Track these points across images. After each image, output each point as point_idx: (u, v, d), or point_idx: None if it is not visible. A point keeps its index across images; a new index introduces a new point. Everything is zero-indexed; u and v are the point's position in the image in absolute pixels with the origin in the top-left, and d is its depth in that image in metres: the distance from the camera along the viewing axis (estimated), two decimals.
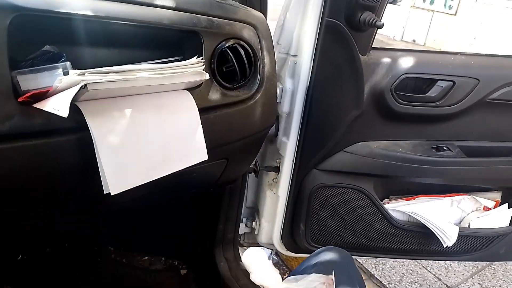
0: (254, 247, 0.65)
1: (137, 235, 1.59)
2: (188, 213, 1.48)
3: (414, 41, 5.63)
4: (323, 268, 0.76)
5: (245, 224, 1.49)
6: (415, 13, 5.73)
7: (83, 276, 1.45)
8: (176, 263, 1.55)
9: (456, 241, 1.25)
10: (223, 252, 1.39)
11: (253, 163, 1.32)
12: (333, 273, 0.64)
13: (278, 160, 1.32)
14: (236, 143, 0.91)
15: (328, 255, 0.83)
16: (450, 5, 5.36)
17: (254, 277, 0.64)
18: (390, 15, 5.36)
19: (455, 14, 5.30)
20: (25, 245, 1.44)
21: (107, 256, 1.55)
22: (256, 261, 0.64)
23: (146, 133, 0.69)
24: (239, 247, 1.48)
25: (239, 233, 1.47)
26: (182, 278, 1.51)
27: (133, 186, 0.66)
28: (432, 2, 5.55)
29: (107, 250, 1.57)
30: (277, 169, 1.32)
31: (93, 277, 1.47)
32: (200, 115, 0.76)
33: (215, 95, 0.80)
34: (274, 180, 1.37)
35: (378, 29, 0.99)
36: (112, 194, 0.63)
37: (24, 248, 1.43)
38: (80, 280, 1.43)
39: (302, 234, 1.33)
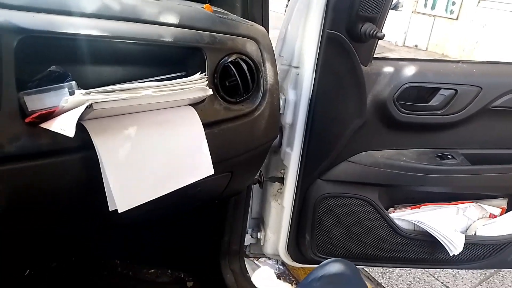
0: (262, 268, 0.65)
1: (143, 248, 1.59)
2: (193, 226, 1.48)
3: (416, 46, 5.65)
4: (329, 281, 0.76)
5: (251, 235, 1.49)
6: (416, 18, 5.75)
7: None
8: (182, 275, 1.55)
9: (463, 249, 1.24)
10: (229, 264, 1.39)
11: (258, 174, 1.33)
12: None
13: (282, 171, 1.33)
14: (240, 156, 0.92)
15: (334, 268, 0.82)
16: (452, 10, 5.37)
17: None
18: (391, 21, 5.38)
19: (457, 19, 5.31)
20: (32, 260, 1.44)
21: (113, 270, 1.55)
22: (266, 282, 0.63)
23: (152, 149, 0.70)
24: (245, 258, 1.48)
25: (245, 244, 1.47)
26: None
27: (140, 203, 0.67)
28: (433, 7, 5.57)
29: (113, 263, 1.57)
30: (281, 180, 1.33)
31: None
32: (204, 130, 0.77)
33: (218, 110, 0.81)
34: (279, 190, 1.37)
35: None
36: (119, 211, 0.64)
37: (31, 263, 1.44)
38: None
39: (307, 244, 1.32)
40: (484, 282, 1.91)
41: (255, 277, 0.62)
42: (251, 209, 1.48)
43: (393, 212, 1.30)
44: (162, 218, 1.48)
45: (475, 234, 1.31)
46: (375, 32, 0.95)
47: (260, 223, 1.51)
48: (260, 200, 1.50)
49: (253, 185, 1.36)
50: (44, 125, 0.60)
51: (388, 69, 1.10)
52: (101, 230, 0.86)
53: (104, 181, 0.63)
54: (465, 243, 1.24)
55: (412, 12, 5.83)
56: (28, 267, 1.42)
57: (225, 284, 1.36)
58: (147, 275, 1.55)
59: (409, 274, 1.91)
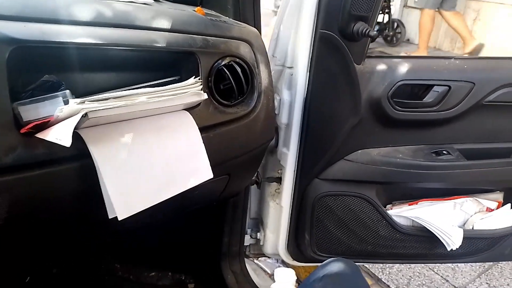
0: (285, 269, 0.65)
1: (143, 251, 1.59)
2: (193, 228, 1.48)
3: (408, 40, 5.66)
4: (331, 281, 0.77)
5: (250, 236, 1.50)
6: (408, 12, 5.77)
7: None
8: (183, 278, 1.55)
9: (462, 243, 1.25)
10: (229, 265, 1.40)
11: (255, 175, 1.33)
12: None
13: (279, 171, 1.33)
14: (237, 158, 0.92)
15: (335, 267, 0.83)
16: None
17: None
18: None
19: None
20: (33, 266, 1.44)
21: (114, 273, 1.55)
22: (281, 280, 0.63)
23: (149, 155, 0.70)
24: (245, 259, 1.48)
25: (245, 244, 1.48)
26: None
27: (140, 210, 0.67)
28: None
29: (113, 267, 1.57)
30: (279, 180, 1.33)
31: None
32: (200, 134, 0.77)
33: (213, 114, 0.81)
34: (277, 190, 1.38)
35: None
36: (119, 219, 0.63)
37: (31, 269, 1.43)
38: None
39: (307, 243, 1.33)
40: (483, 275, 1.92)
41: (277, 273, 0.62)
42: (250, 210, 1.48)
43: (391, 209, 1.31)
44: (161, 222, 1.48)
45: (472, 228, 1.32)
46: (367, 31, 0.95)
47: (259, 224, 1.51)
48: (258, 201, 1.50)
49: (250, 186, 1.36)
50: (40, 135, 0.60)
51: (382, 67, 1.10)
52: (100, 237, 0.86)
53: (102, 189, 0.63)
54: (463, 237, 1.25)
55: (404, 6, 5.84)
56: (29, 274, 1.41)
57: (226, 285, 1.36)
58: (147, 278, 1.55)
59: (409, 269, 1.92)
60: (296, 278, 0.64)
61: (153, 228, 1.48)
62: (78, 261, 1.54)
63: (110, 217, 0.64)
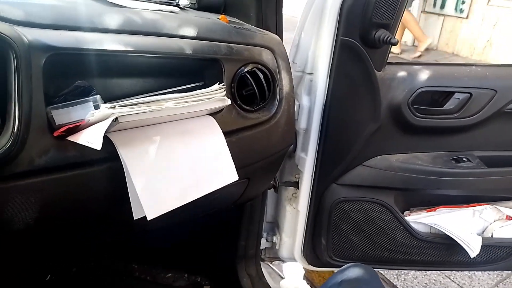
0: (293, 263, 0.65)
1: (160, 253, 1.61)
2: (210, 231, 1.50)
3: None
4: (349, 286, 0.77)
5: (266, 239, 1.50)
6: (425, 18, 5.72)
7: None
8: (199, 279, 1.57)
9: (480, 251, 1.24)
10: (245, 268, 1.41)
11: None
12: None
13: (297, 175, 1.34)
14: (257, 163, 0.94)
15: (353, 272, 0.83)
16: (461, 9, 5.32)
17: None
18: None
19: (467, 17, 5.27)
20: (53, 265, 1.47)
21: (131, 274, 1.58)
22: (291, 278, 0.63)
23: (176, 158, 0.72)
24: (260, 262, 1.49)
25: (260, 248, 1.48)
26: None
27: (168, 211, 0.68)
28: (442, 6, 5.53)
29: (131, 267, 1.60)
30: (296, 184, 1.34)
31: None
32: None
33: (236, 119, 0.83)
34: (294, 195, 1.38)
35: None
36: (148, 219, 0.65)
37: (52, 268, 1.47)
38: None
39: (323, 248, 1.33)
40: (500, 284, 1.89)
41: (285, 268, 0.62)
42: (266, 213, 1.49)
43: (409, 215, 1.30)
44: (179, 224, 1.50)
45: (491, 236, 1.30)
46: (389, 38, 0.96)
47: (275, 227, 1.52)
48: (275, 205, 1.51)
49: (268, 189, 1.37)
50: (71, 138, 0.63)
51: (402, 73, 1.10)
52: (123, 237, 0.88)
53: (129, 190, 0.65)
54: (482, 245, 1.24)
55: (421, 12, 5.79)
56: (49, 272, 1.45)
57: (242, 287, 1.37)
58: (164, 279, 1.57)
59: (424, 276, 1.91)
60: (304, 271, 0.64)
61: (170, 230, 1.50)
62: (96, 261, 1.57)
63: (135, 218, 0.66)
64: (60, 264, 1.48)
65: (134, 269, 1.60)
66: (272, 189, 1.39)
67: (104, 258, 1.58)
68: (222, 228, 1.47)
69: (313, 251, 1.38)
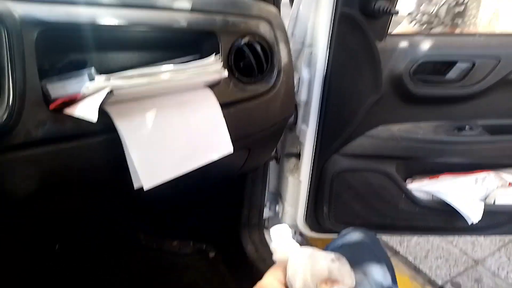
0: (279, 225, 0.64)
1: (166, 223, 1.64)
2: (214, 201, 1.52)
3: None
4: (349, 250, 0.76)
5: (269, 209, 1.53)
6: None
7: (117, 263, 1.52)
8: (204, 247, 1.61)
9: (482, 217, 1.24)
10: (249, 236, 1.43)
11: (274, 150, 1.34)
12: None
13: (298, 147, 1.34)
14: (257, 134, 0.94)
15: (354, 236, 0.82)
16: None
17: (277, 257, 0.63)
18: None
19: None
20: (61, 235, 1.51)
21: (138, 242, 1.62)
22: (279, 239, 0.63)
23: (172, 129, 0.72)
24: (264, 230, 1.52)
25: (264, 217, 1.51)
26: (210, 260, 1.57)
27: (164, 181, 0.69)
28: None
29: (138, 237, 1.64)
30: (298, 156, 1.34)
31: (126, 263, 1.54)
32: (221, 110, 0.78)
33: (234, 91, 0.82)
34: (295, 166, 1.39)
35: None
36: (145, 189, 0.66)
37: (59, 238, 1.51)
38: (115, 267, 1.51)
39: (325, 215, 1.35)
40: (502, 248, 1.92)
41: (272, 232, 0.61)
42: (269, 184, 1.51)
43: (411, 183, 1.31)
44: (184, 194, 1.52)
45: (494, 203, 1.31)
46: (389, 8, 0.93)
47: (277, 197, 1.54)
48: (277, 175, 1.52)
49: (270, 161, 1.38)
50: (67, 111, 0.63)
51: (404, 44, 1.08)
52: (126, 207, 0.90)
53: (128, 161, 0.66)
54: (484, 211, 1.24)
55: None
56: (58, 242, 1.49)
57: (246, 254, 1.40)
58: (170, 247, 1.61)
59: (427, 242, 1.93)
60: (291, 231, 0.64)
61: (176, 201, 1.53)
62: (105, 231, 1.61)
63: (135, 187, 0.67)
64: (67, 234, 1.52)
65: (140, 238, 1.64)
66: (274, 160, 1.40)
67: (112, 228, 1.63)
68: (226, 199, 1.50)
69: (315, 219, 1.40)
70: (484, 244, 1.95)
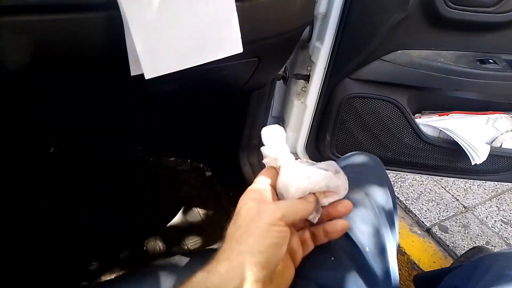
0: (272, 126, 0.59)
1: (164, 138, 1.62)
2: (214, 119, 1.48)
3: None
4: (352, 171, 0.74)
5: None
6: None
7: (113, 172, 1.51)
8: (201, 166, 1.60)
9: (486, 160, 1.22)
10: (247, 157, 1.42)
11: (282, 69, 1.28)
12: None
13: (308, 67, 1.27)
14: (269, 40, 0.86)
15: (358, 159, 0.81)
16: None
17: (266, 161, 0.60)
18: None
19: None
20: (56, 138, 1.49)
21: (136, 153, 1.60)
22: (271, 142, 0.58)
23: (179, 18, 0.65)
24: None
25: None
26: (207, 179, 1.57)
27: (167, 72, 0.64)
28: None
29: (135, 148, 1.62)
30: (307, 78, 1.28)
31: (122, 172, 1.53)
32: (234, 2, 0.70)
33: None
34: (303, 89, 1.34)
35: None
36: (146, 78, 0.61)
37: (55, 141, 1.48)
38: (111, 175, 1.50)
39: (327, 144, 1.32)
40: (494, 198, 1.93)
41: (264, 132, 0.56)
42: (272, 108, 1.46)
43: (420, 117, 1.26)
44: (184, 109, 1.47)
45: (500, 146, 1.28)
46: None
47: (280, 122, 1.50)
48: (282, 99, 1.47)
49: (277, 80, 1.32)
50: None
51: None
52: (123, 99, 0.84)
53: (127, 45, 0.60)
54: (489, 154, 1.22)
55: None
56: (52, 145, 1.47)
57: (243, 175, 1.40)
58: (167, 162, 1.60)
59: (420, 184, 1.94)
60: (285, 134, 0.60)
61: (175, 116, 1.48)
62: (101, 140, 1.58)
63: (132, 74, 0.62)
64: (63, 138, 1.50)
65: (138, 151, 1.62)
66: (282, 80, 1.34)
67: (110, 138, 1.60)
68: (227, 118, 1.46)
69: (316, 147, 1.37)
70: (477, 192, 1.96)
